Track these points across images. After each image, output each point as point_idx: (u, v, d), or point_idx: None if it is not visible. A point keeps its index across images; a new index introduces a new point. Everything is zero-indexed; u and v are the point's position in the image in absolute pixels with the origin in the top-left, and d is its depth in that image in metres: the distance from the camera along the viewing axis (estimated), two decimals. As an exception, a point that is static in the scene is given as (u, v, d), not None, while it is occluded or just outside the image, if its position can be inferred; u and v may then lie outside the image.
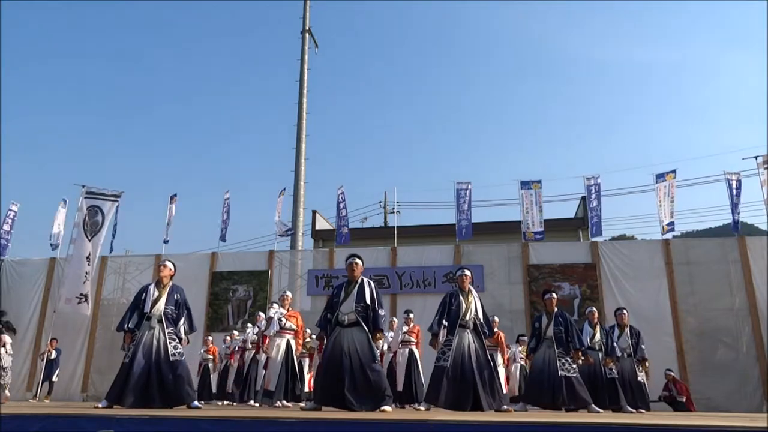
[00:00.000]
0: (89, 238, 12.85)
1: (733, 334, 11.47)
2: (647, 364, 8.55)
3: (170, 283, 5.97)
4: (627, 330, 8.45)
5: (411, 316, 9.23)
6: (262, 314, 9.67)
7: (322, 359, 5.30)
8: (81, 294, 12.61)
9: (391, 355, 9.30)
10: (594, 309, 8.47)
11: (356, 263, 5.52)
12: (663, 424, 3.03)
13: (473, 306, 6.05)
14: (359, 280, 5.45)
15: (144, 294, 5.85)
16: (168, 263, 6.09)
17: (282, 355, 7.42)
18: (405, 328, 9.17)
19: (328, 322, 5.45)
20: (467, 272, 6.30)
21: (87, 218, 12.99)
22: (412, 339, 9.09)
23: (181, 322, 5.91)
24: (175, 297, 5.88)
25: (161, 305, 5.75)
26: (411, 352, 9.00)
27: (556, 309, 7.13)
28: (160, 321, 5.69)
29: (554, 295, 7.28)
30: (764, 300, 11.27)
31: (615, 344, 8.00)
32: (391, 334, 9.21)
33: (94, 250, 12.87)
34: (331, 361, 5.11)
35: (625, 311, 8.69)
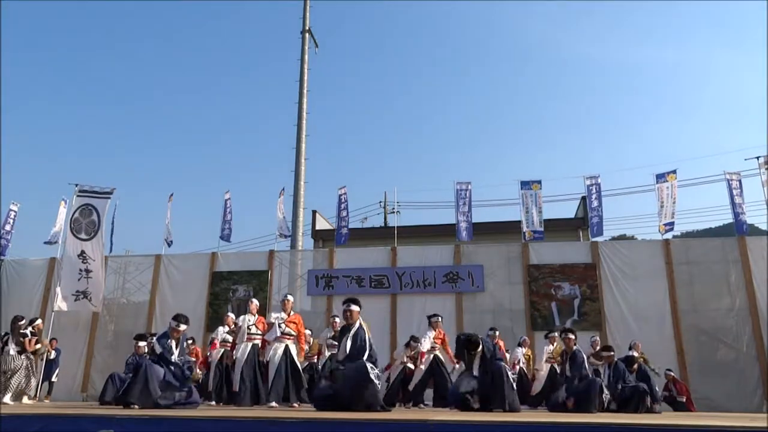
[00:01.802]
0: (86, 237, 12.81)
1: (733, 334, 11.45)
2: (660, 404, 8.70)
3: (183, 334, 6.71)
4: (634, 375, 8.47)
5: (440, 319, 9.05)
6: (231, 315, 9.56)
7: None
8: (77, 291, 12.56)
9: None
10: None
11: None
12: (663, 424, 3.03)
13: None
14: None
15: (167, 351, 6.41)
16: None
17: (280, 358, 7.30)
18: (432, 333, 8.75)
19: None
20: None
21: (80, 217, 12.96)
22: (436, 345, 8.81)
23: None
24: (184, 345, 6.70)
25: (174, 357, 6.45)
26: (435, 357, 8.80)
27: (575, 347, 7.36)
28: None
29: (571, 335, 7.49)
30: (764, 300, 11.25)
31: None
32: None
33: (95, 250, 12.82)
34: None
35: (636, 365, 8.63)
